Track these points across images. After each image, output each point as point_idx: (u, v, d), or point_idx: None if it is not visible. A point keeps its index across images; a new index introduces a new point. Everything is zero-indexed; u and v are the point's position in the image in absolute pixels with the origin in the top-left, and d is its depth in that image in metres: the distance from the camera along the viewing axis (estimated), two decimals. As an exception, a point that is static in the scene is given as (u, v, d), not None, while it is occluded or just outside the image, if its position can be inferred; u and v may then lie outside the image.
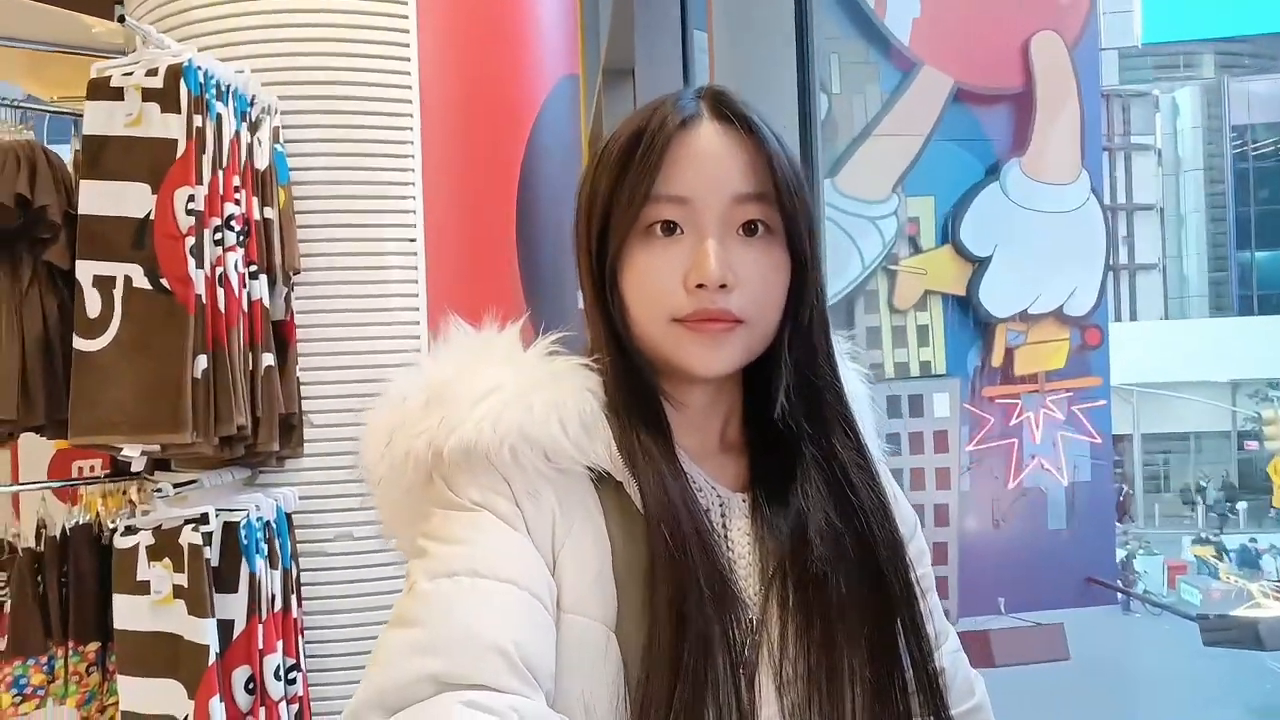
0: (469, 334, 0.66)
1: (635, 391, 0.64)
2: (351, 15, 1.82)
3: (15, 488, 1.93)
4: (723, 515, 0.66)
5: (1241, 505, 18.26)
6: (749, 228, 0.64)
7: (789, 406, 0.67)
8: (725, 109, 0.65)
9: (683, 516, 0.61)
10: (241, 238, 1.60)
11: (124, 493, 1.92)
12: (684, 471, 0.64)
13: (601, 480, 0.63)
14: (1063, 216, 5.58)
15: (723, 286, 0.62)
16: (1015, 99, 5.57)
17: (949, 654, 0.72)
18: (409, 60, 1.86)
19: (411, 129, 1.86)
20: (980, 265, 5.63)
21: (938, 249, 5.53)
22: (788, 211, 0.64)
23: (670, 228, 0.63)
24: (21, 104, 1.81)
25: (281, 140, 1.72)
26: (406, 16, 1.86)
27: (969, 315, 5.61)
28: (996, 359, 5.67)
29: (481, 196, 1.98)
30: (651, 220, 0.63)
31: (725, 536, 0.65)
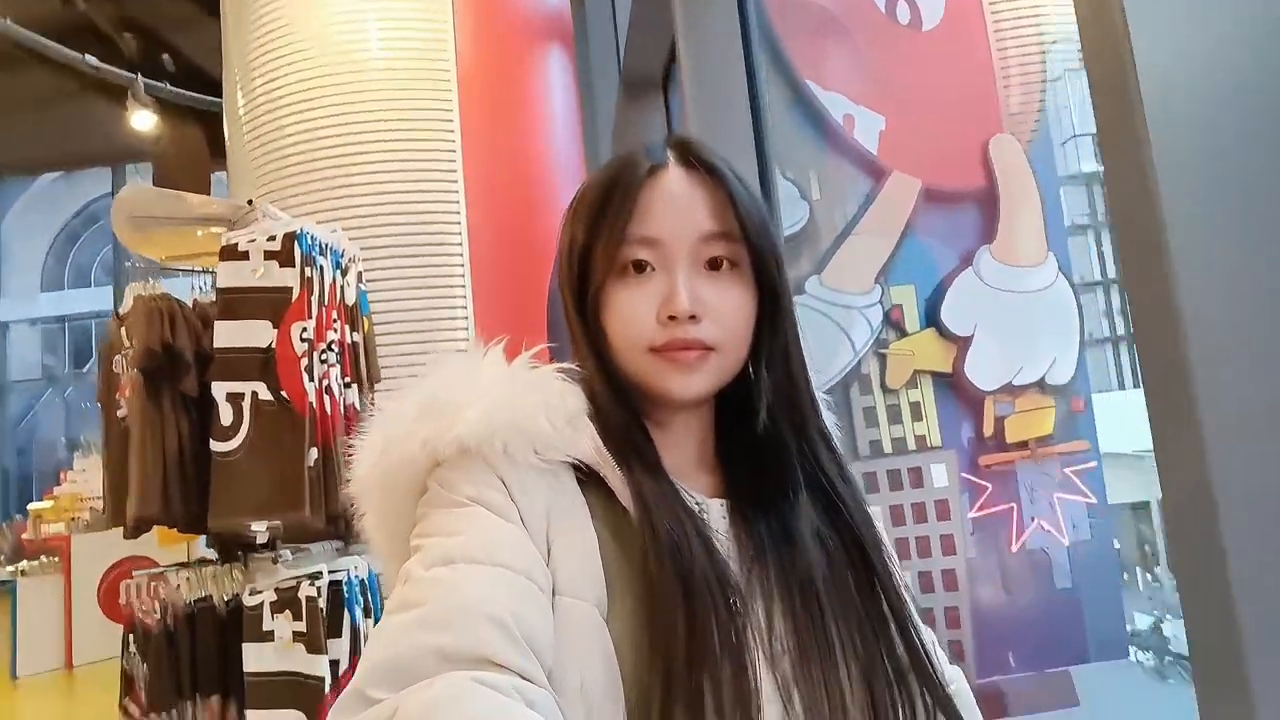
0: (455, 356, 0.70)
1: (621, 407, 0.68)
2: (414, 182, 2.36)
3: (148, 572, 2.34)
4: (702, 517, 0.68)
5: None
6: (714, 263, 0.68)
7: (771, 424, 0.70)
8: (691, 156, 0.70)
9: (677, 505, 0.65)
10: (338, 357, 2.07)
11: (231, 574, 2.33)
12: (667, 473, 0.67)
13: (584, 481, 0.65)
14: (1035, 295, 6.01)
15: (692, 318, 0.66)
16: (980, 195, 6.11)
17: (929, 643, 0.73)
18: (459, 216, 2.39)
19: (462, 269, 2.36)
20: (963, 344, 6.05)
21: (923, 331, 5.94)
22: (754, 246, 0.68)
23: (642, 266, 0.67)
24: (165, 267, 2.32)
25: (364, 281, 2.21)
26: (456, 188, 2.40)
27: (958, 390, 6.00)
28: (988, 429, 6.01)
29: (521, 311, 2.49)
30: (626, 260, 0.67)
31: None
